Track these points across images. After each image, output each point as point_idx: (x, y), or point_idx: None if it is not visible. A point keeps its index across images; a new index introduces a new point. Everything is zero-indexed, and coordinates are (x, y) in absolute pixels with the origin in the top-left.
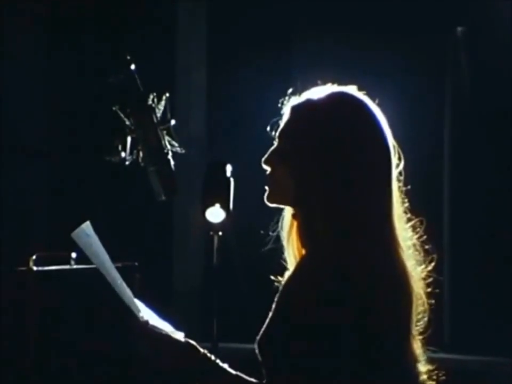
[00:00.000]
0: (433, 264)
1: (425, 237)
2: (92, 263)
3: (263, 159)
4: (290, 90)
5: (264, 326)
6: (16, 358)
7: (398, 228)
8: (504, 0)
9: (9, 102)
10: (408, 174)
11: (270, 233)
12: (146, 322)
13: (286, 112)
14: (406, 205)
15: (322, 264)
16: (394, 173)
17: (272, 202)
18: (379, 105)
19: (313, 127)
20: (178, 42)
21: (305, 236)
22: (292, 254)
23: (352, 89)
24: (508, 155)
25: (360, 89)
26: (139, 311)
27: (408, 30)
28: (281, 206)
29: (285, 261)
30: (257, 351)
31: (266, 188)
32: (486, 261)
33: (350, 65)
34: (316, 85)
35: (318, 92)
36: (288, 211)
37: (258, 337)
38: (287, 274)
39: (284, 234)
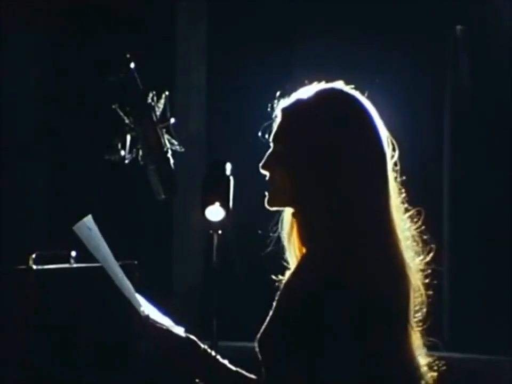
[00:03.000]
0: (432, 255)
1: (423, 227)
2: (91, 262)
3: (260, 165)
4: (278, 93)
5: (265, 324)
6: (16, 357)
7: (396, 219)
8: None
9: (9, 102)
10: (409, 170)
11: (271, 234)
12: (147, 317)
13: (277, 114)
14: (404, 195)
15: (322, 263)
16: (390, 164)
17: (272, 206)
18: (379, 103)
19: (304, 128)
20: (178, 41)
21: (304, 236)
22: (293, 254)
23: (340, 85)
24: (508, 153)
25: (360, 88)
26: (140, 305)
27: (408, 29)
28: (282, 209)
29: (286, 261)
30: (257, 349)
31: (266, 193)
32: (486, 259)
33: (350, 64)
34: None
35: (307, 91)
36: (287, 211)
37: (258, 336)
38: (288, 273)
39: (284, 235)
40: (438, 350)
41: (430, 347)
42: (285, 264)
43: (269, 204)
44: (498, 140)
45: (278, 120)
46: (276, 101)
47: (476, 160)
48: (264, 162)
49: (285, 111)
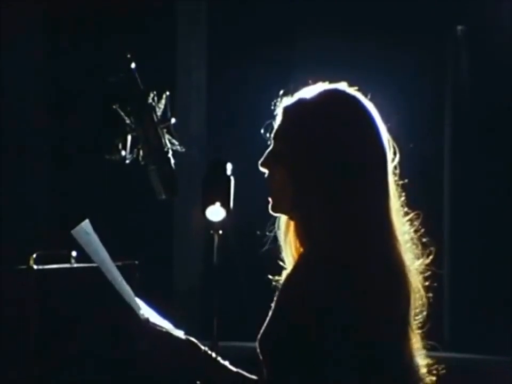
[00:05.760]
0: (431, 257)
1: (423, 230)
2: (92, 262)
3: (259, 162)
4: (282, 92)
5: (265, 325)
6: (16, 357)
7: (395, 222)
8: None
9: (9, 102)
10: (409, 171)
11: (267, 233)
12: (147, 320)
13: (279, 113)
14: (403, 198)
15: (320, 263)
16: (390, 167)
17: (277, 212)
18: (378, 103)
19: (305, 128)
20: (179, 41)
21: (303, 236)
22: (290, 253)
23: (343, 86)
24: (508, 153)
25: (360, 87)
26: (139, 309)
27: (408, 29)
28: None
29: (283, 260)
30: (258, 350)
31: (269, 199)
32: (486, 258)
33: (350, 64)
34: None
35: (310, 91)
36: None
37: (259, 336)
38: (285, 273)
39: (281, 234)
40: (437, 351)
41: (430, 349)
42: (282, 264)
43: (273, 210)
44: (498, 139)
45: (279, 118)
46: (278, 99)
47: (476, 160)
48: (264, 160)
49: (286, 109)
